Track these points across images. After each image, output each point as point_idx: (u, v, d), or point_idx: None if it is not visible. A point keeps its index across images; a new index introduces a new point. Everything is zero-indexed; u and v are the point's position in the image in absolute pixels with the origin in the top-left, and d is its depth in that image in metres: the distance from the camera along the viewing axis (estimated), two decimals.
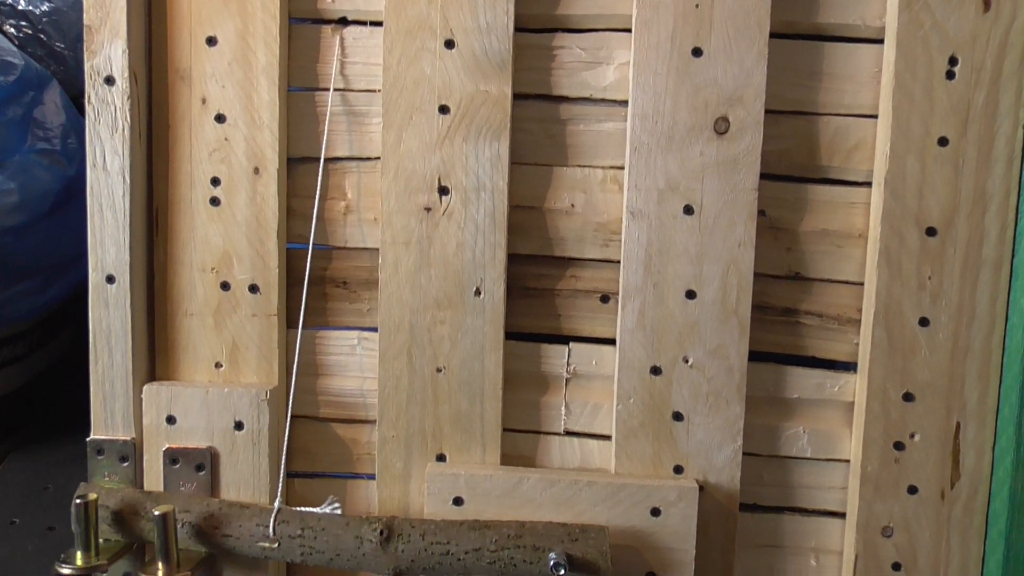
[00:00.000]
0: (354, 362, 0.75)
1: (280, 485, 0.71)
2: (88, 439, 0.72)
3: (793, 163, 0.72)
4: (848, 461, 0.74)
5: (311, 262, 0.74)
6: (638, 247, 0.70)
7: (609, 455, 0.74)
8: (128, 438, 0.72)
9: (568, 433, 0.75)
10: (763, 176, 0.70)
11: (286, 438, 0.72)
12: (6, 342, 1.08)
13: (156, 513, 0.67)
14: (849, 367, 0.74)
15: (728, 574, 0.73)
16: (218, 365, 0.74)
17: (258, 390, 0.71)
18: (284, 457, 0.71)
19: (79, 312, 1.22)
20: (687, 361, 0.71)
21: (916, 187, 0.69)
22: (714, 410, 0.71)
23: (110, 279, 0.71)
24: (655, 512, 0.70)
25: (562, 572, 0.66)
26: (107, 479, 0.72)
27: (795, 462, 0.75)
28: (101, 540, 0.69)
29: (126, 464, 0.72)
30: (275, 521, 0.69)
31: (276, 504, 0.70)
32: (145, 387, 0.72)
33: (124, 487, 0.72)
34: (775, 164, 0.72)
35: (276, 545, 0.69)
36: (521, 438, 0.75)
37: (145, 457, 0.72)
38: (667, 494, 0.70)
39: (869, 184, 0.71)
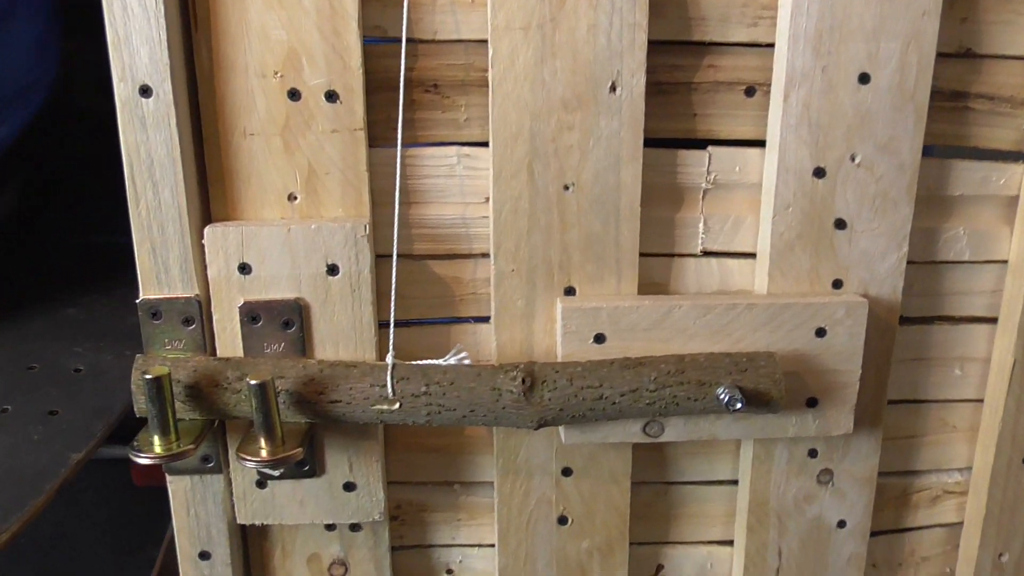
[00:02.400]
0: (453, 185, 0.62)
1: (391, 336, 0.59)
2: (139, 300, 0.58)
3: None
4: (1005, 262, 0.68)
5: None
6: (808, 22, 0.58)
7: (750, 274, 0.65)
8: (191, 295, 0.58)
9: (705, 253, 0.65)
10: None
11: (394, 279, 0.59)
12: None
13: (253, 383, 0.54)
14: (1015, 157, 0.66)
15: (881, 393, 0.67)
16: (292, 197, 0.59)
17: (354, 224, 0.57)
18: (393, 301, 0.59)
19: (27, 160, 1.01)
20: (854, 159, 0.61)
21: None
22: (880, 214, 0.62)
23: (145, 91, 0.54)
24: (820, 332, 0.62)
25: (739, 407, 0.58)
26: (168, 348, 0.58)
27: (948, 267, 0.68)
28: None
29: (191, 327, 0.58)
30: (392, 379, 0.58)
31: (389, 359, 0.58)
32: (207, 229, 0.57)
33: (193, 355, 0.58)
34: None
35: (397, 406, 0.58)
36: (652, 263, 0.65)
37: (215, 317, 0.58)
38: (834, 311, 0.62)
39: None
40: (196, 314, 0.58)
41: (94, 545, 0.90)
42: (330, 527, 0.66)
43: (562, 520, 0.67)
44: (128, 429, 0.82)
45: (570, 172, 0.60)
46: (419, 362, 0.59)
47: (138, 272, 0.57)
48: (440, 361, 0.59)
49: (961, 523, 0.75)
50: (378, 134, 0.60)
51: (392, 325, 0.59)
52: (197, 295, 0.58)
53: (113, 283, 0.96)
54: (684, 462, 0.70)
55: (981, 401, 0.71)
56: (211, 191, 0.58)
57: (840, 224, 0.62)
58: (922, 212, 0.65)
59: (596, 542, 0.68)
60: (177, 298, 0.57)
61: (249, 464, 0.55)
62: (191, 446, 0.55)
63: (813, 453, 0.68)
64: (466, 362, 0.59)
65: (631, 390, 0.59)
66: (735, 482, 0.71)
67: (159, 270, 0.57)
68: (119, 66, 0.53)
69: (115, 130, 0.55)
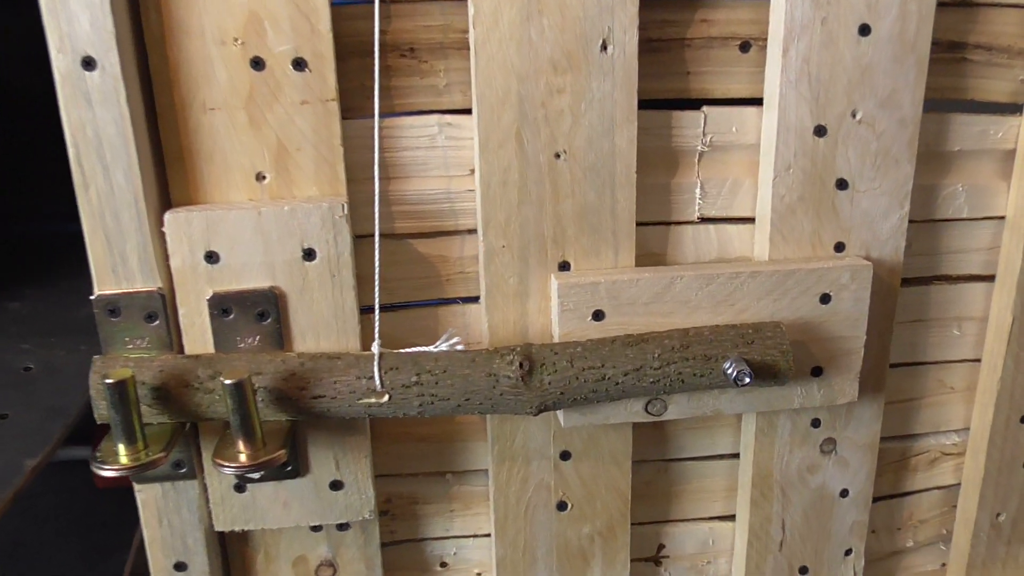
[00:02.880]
0: (435, 157, 0.57)
1: (376, 322, 0.54)
2: (93, 296, 0.52)
3: None
4: (1002, 218, 0.66)
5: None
6: None
7: (749, 240, 0.62)
8: (153, 289, 0.52)
9: (703, 219, 0.62)
10: None
11: (377, 261, 0.54)
12: None
13: (228, 383, 0.49)
14: (1013, 109, 0.63)
15: (884, 358, 0.65)
16: (260, 177, 0.54)
17: (331, 204, 0.52)
18: (378, 285, 0.54)
19: None
20: (855, 116, 0.58)
21: None
22: (882, 172, 0.60)
23: (88, 63, 0.48)
24: (824, 299, 0.60)
25: (747, 381, 0.55)
26: (130, 347, 0.53)
27: (946, 225, 0.66)
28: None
29: (155, 324, 0.53)
30: (380, 370, 0.53)
31: (375, 348, 0.54)
32: (167, 215, 0.51)
33: (159, 354, 0.53)
34: None
35: (386, 399, 0.54)
36: (648, 232, 0.61)
37: (181, 311, 0.53)
38: (839, 276, 0.59)
39: None
40: (159, 309, 0.52)
41: (58, 553, 0.85)
42: (316, 528, 0.62)
43: (561, 506, 0.64)
44: (87, 428, 0.76)
45: (561, 138, 0.56)
46: (408, 350, 0.55)
47: (91, 266, 0.51)
48: (431, 348, 0.55)
49: (958, 484, 0.74)
50: (351, 104, 0.55)
51: (377, 311, 0.54)
52: (160, 288, 0.52)
53: (59, 274, 0.89)
54: (685, 438, 0.68)
55: (979, 361, 0.70)
56: (170, 173, 0.53)
57: (842, 184, 0.60)
58: (920, 169, 0.62)
59: (597, 526, 0.65)
60: (137, 292, 0.52)
61: (228, 471, 0.51)
62: (161, 454, 0.51)
63: (816, 423, 0.66)
64: (459, 347, 0.55)
65: (635, 369, 0.56)
66: (736, 455, 0.68)
67: (115, 262, 0.51)
68: (56, 36, 0.47)
69: (53, 108, 0.49)
